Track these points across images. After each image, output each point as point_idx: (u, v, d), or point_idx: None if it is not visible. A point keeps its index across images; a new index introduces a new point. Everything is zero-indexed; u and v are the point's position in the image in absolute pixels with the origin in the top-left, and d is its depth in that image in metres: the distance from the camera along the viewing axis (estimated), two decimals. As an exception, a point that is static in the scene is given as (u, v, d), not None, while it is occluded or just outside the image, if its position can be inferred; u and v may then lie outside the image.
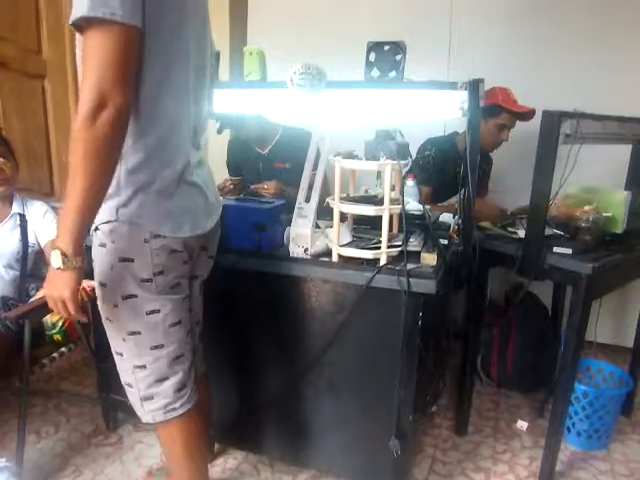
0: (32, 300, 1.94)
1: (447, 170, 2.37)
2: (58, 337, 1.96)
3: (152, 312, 1.25)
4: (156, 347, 1.28)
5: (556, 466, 1.88)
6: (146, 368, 1.29)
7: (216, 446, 2.00)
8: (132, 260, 1.19)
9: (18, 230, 2.05)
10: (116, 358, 1.33)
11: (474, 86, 1.58)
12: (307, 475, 1.91)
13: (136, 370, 1.30)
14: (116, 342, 1.30)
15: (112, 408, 2.13)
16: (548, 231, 1.77)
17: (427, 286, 1.44)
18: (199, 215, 1.28)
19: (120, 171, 1.13)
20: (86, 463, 1.95)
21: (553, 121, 1.60)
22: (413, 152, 1.62)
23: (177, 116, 1.20)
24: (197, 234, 1.27)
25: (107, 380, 2.05)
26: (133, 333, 1.26)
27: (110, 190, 1.11)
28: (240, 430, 1.84)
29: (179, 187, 1.21)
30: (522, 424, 2.22)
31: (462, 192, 1.65)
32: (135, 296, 1.22)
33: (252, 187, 2.28)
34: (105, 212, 1.16)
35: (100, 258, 1.22)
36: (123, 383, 1.35)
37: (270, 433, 1.81)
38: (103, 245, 1.20)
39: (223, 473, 1.92)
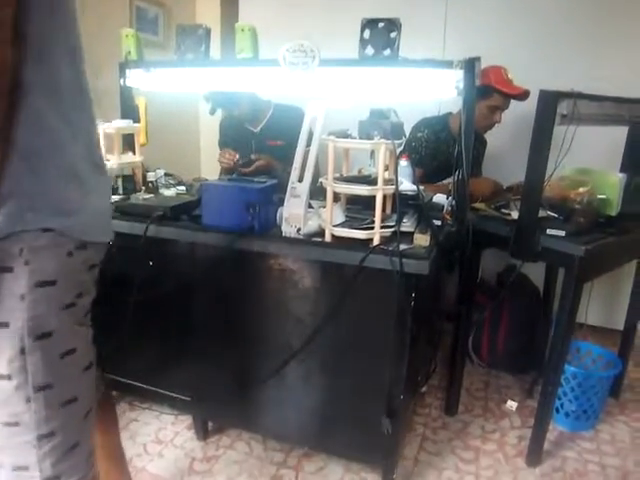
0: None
1: (440, 152, 2.35)
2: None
3: (68, 353, 0.96)
4: (69, 402, 0.97)
5: (544, 445, 1.91)
6: (54, 435, 0.95)
7: (209, 424, 2.02)
8: (54, 282, 0.91)
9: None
10: (3, 433, 0.93)
11: (470, 65, 1.56)
12: (299, 452, 1.93)
13: (41, 442, 0.94)
14: (11, 408, 0.91)
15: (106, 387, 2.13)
16: (542, 213, 1.77)
17: (419, 267, 1.44)
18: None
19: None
20: (80, 441, 1.96)
21: (550, 101, 1.59)
22: (407, 132, 1.60)
23: None
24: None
25: (100, 358, 2.05)
26: (43, 388, 0.92)
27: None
28: (233, 408, 1.85)
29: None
30: (511, 404, 2.25)
31: (456, 173, 1.64)
32: (49, 335, 0.91)
33: (241, 169, 2.26)
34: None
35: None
36: (9, 468, 0.94)
37: (263, 411, 1.82)
38: (8, 270, 0.87)
39: (217, 450, 1.94)
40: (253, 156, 2.30)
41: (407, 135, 1.63)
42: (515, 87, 2.25)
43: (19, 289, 0.87)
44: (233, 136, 2.53)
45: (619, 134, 2.07)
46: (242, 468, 1.86)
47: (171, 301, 1.81)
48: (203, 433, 1.99)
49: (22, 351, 0.89)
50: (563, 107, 1.60)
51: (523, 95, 2.23)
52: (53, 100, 0.87)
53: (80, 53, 0.97)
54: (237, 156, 2.26)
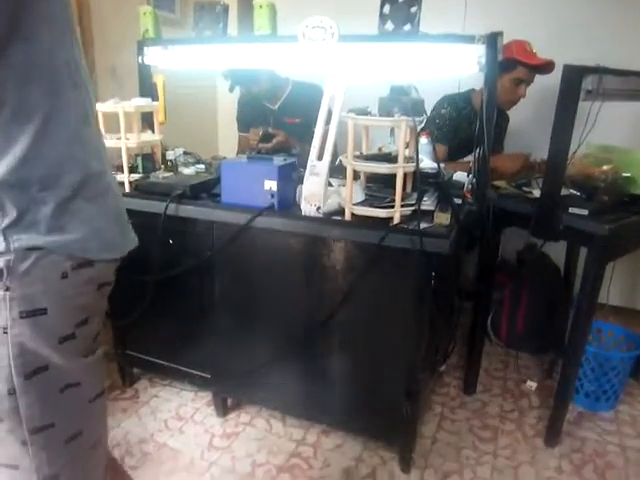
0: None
1: (463, 129, 2.31)
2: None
3: (70, 386, 0.84)
4: (74, 437, 0.86)
5: (563, 426, 1.91)
6: (59, 477, 0.85)
7: (229, 401, 2.04)
8: (44, 311, 0.78)
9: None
10: (4, 475, 0.83)
11: (492, 39, 1.53)
12: (318, 430, 1.95)
13: None
14: (7, 450, 0.82)
15: (128, 364, 2.17)
16: (564, 191, 1.74)
17: (440, 245, 1.42)
18: None
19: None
20: (103, 416, 2.01)
21: (574, 76, 1.54)
22: (428, 109, 1.58)
23: None
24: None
25: (123, 337, 2.09)
26: (40, 429, 0.82)
27: None
28: (252, 385, 1.88)
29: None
30: (531, 384, 2.24)
31: (477, 150, 1.62)
32: (44, 369, 0.80)
33: (256, 144, 2.26)
34: None
35: None
36: None
37: (282, 388, 1.84)
38: None
39: (236, 427, 1.97)
40: (270, 130, 2.29)
41: (428, 112, 1.60)
42: (539, 58, 2.19)
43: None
44: (251, 113, 2.52)
45: (645, 110, 2.03)
46: (261, 444, 1.88)
47: (191, 279, 1.82)
48: (223, 410, 2.02)
49: (11, 392, 0.77)
50: (588, 82, 1.56)
51: (548, 66, 2.16)
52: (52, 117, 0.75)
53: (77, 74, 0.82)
54: (260, 133, 2.26)
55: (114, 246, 0.88)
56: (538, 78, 2.27)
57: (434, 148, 1.79)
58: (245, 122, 2.55)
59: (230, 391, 1.99)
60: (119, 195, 0.92)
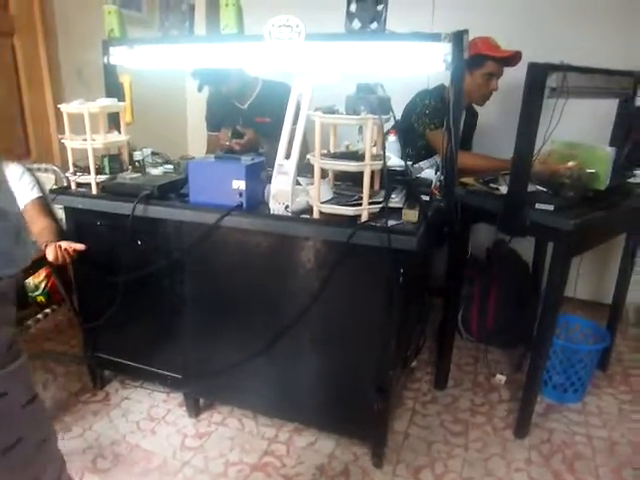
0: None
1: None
2: (41, 299, 1.95)
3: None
4: (12, 447, 0.89)
5: (532, 418, 1.94)
6: None
7: (201, 401, 2.03)
8: None
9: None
10: None
11: (458, 38, 1.54)
12: (290, 428, 1.95)
13: None
14: None
15: (98, 366, 2.14)
16: (531, 187, 1.76)
17: (408, 242, 1.44)
18: None
19: None
20: (75, 420, 1.98)
21: (539, 74, 1.57)
22: (395, 107, 1.58)
23: None
24: None
25: (92, 339, 2.06)
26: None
27: None
28: (224, 385, 1.87)
29: None
30: (500, 378, 2.28)
31: (445, 147, 1.63)
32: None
33: (227, 143, 2.25)
34: None
35: None
36: None
37: (254, 388, 1.84)
38: None
39: (209, 427, 1.96)
40: (239, 127, 2.28)
41: (394, 110, 1.60)
42: (506, 50, 2.25)
43: None
44: (220, 112, 2.50)
45: (609, 107, 2.06)
46: (234, 443, 1.88)
47: (160, 280, 1.81)
48: (195, 410, 2.01)
49: None
50: (552, 80, 1.58)
51: (515, 57, 2.23)
52: None
53: None
54: (229, 133, 2.25)
55: (13, 262, 0.87)
56: (504, 76, 2.31)
57: (402, 146, 1.80)
58: (214, 121, 2.53)
59: (202, 391, 1.98)
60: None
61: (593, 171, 1.82)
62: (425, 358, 2.42)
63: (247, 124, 2.37)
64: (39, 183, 2.10)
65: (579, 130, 2.03)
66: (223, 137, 2.28)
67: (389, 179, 1.53)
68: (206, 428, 1.96)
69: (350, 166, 1.49)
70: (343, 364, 1.68)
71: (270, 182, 1.59)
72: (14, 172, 2.05)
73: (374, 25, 1.57)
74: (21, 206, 2.03)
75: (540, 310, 1.84)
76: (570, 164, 1.81)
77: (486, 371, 2.37)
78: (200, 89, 2.30)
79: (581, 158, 1.84)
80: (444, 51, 1.57)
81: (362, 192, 1.48)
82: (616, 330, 2.34)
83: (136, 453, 1.83)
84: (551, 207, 1.68)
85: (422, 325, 2.06)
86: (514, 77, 2.10)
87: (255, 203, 1.64)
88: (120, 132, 1.92)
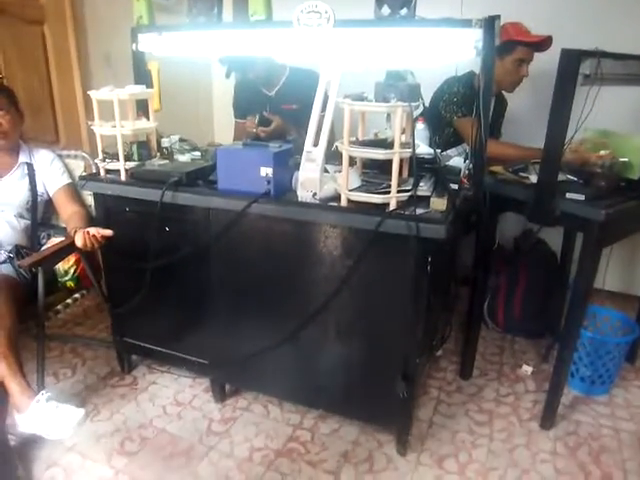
0: (44, 248, 1.95)
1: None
2: (70, 284, 1.99)
3: None
4: None
5: (558, 410, 1.93)
6: None
7: (227, 387, 2.06)
8: None
9: (27, 179, 2.04)
10: None
11: (490, 23, 1.51)
12: (315, 415, 1.97)
13: None
14: None
15: (126, 351, 2.18)
16: (561, 177, 1.74)
17: (436, 231, 1.43)
18: None
19: None
20: (103, 403, 2.03)
21: (572, 61, 1.53)
22: (425, 94, 1.57)
23: None
24: None
25: (121, 324, 2.10)
26: None
27: None
28: (250, 371, 1.89)
29: None
30: (527, 369, 2.26)
31: (474, 134, 1.61)
32: None
33: (254, 130, 2.26)
34: None
35: None
36: None
37: (279, 374, 1.85)
38: None
39: (234, 412, 1.99)
40: (266, 113, 2.28)
41: (424, 97, 1.59)
42: (537, 35, 2.20)
43: None
44: (248, 99, 2.51)
45: (643, 95, 2.01)
46: (259, 429, 1.90)
47: (188, 266, 1.83)
48: (220, 396, 2.03)
49: None
50: (586, 67, 1.55)
51: (546, 42, 2.18)
52: None
53: None
54: (256, 120, 2.25)
55: None
56: (535, 63, 2.26)
57: (431, 133, 1.78)
58: (241, 109, 2.54)
59: (228, 377, 2.00)
60: None
61: (626, 160, 1.79)
62: (451, 347, 2.41)
63: (274, 111, 2.37)
64: (68, 170, 2.14)
65: (612, 118, 1.99)
66: (250, 124, 2.29)
67: (417, 167, 1.51)
68: (231, 413, 1.98)
69: (379, 154, 1.48)
70: (368, 352, 1.69)
71: (298, 169, 1.59)
72: (45, 158, 2.09)
73: (404, 11, 1.55)
74: (51, 192, 2.07)
75: (568, 301, 1.82)
76: (602, 153, 1.77)
77: (512, 361, 2.35)
78: (228, 75, 2.31)
79: (614, 147, 1.80)
80: (475, 37, 1.54)
81: (390, 180, 1.47)
82: (646, 322, 2.30)
83: (163, 437, 1.86)
84: (582, 197, 1.65)
85: (448, 314, 2.05)
86: (546, 65, 2.06)
87: (283, 190, 1.64)
88: (148, 119, 1.94)
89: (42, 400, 1.57)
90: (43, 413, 1.55)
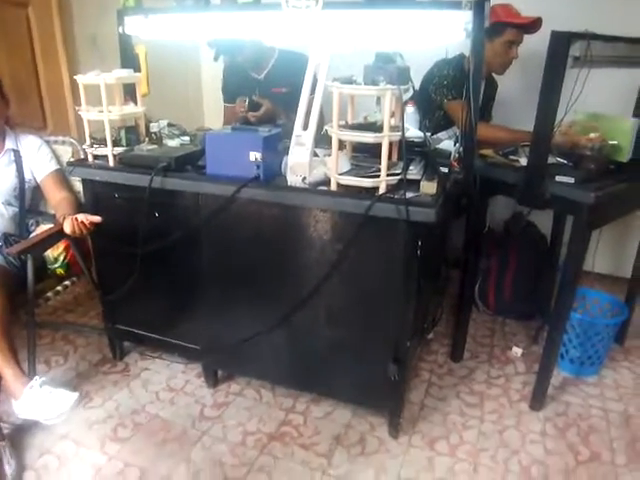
0: (33, 235, 1.94)
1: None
2: (60, 271, 1.97)
3: None
4: None
5: (548, 391, 1.95)
6: None
7: (219, 372, 2.06)
8: None
9: (13, 166, 2.01)
10: None
11: (480, 5, 1.50)
12: (307, 399, 1.98)
13: None
14: None
15: (118, 338, 2.18)
16: (551, 159, 1.74)
17: (426, 215, 1.43)
18: None
19: None
20: (95, 390, 2.03)
21: (562, 43, 1.52)
22: (415, 77, 1.56)
23: None
24: None
25: (112, 311, 2.09)
26: None
27: None
28: (242, 356, 1.89)
29: None
30: (517, 350, 2.28)
31: (464, 117, 1.60)
32: None
33: (242, 113, 2.24)
34: None
35: None
36: None
37: (271, 359, 1.86)
38: None
39: (227, 397, 1.99)
40: (255, 98, 2.26)
41: (414, 80, 1.58)
42: (526, 17, 2.19)
43: None
44: (237, 83, 2.48)
45: (633, 77, 2.01)
46: (252, 414, 1.91)
47: (178, 252, 1.82)
48: (213, 381, 2.04)
49: None
50: (576, 49, 1.54)
51: (536, 24, 2.18)
52: None
53: None
54: (246, 103, 2.23)
55: None
56: (525, 45, 2.25)
57: (421, 117, 1.77)
58: (230, 92, 2.51)
59: (220, 362, 2.01)
60: None
61: (615, 143, 1.79)
62: (442, 330, 2.42)
63: (263, 94, 2.35)
64: (56, 156, 2.12)
65: (602, 101, 1.99)
66: (239, 107, 2.26)
67: (407, 150, 1.50)
68: (224, 399, 1.99)
69: (368, 137, 1.47)
70: (360, 335, 1.69)
71: (287, 154, 1.58)
72: (32, 144, 2.06)
73: (393, -8, 1.53)
74: (39, 178, 2.05)
75: (558, 283, 1.83)
76: (592, 136, 1.78)
77: (502, 343, 2.38)
78: (216, 59, 2.28)
79: (603, 129, 1.80)
80: (465, 19, 1.53)
81: (380, 164, 1.46)
82: (634, 304, 2.32)
83: (155, 423, 1.87)
84: (572, 180, 1.65)
85: (439, 297, 2.06)
86: (536, 47, 2.05)
87: (272, 175, 1.63)
88: (136, 104, 1.91)
89: (36, 386, 1.58)
90: (37, 398, 1.56)
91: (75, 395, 1.61)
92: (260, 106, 2.25)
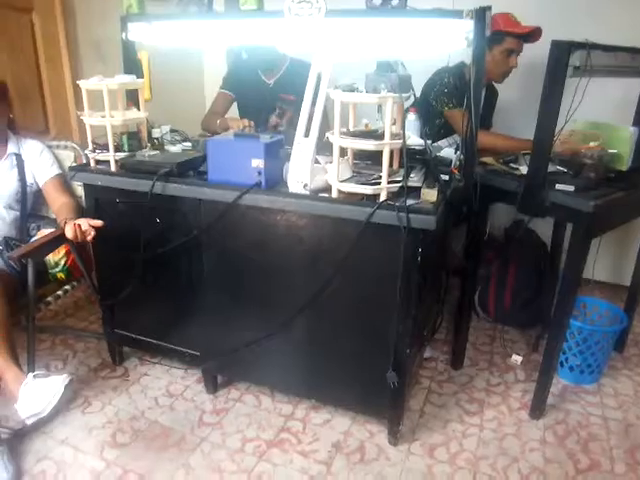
0: (34, 239, 1.94)
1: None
2: (61, 275, 1.98)
3: None
4: None
5: (547, 399, 1.94)
6: None
7: (219, 378, 2.06)
8: None
9: (15, 170, 2.02)
10: None
11: (481, 14, 1.51)
12: (306, 405, 1.98)
13: None
14: None
15: (117, 343, 2.17)
16: (551, 168, 1.74)
17: (426, 222, 1.43)
18: None
19: None
20: (94, 395, 2.02)
21: (562, 52, 1.53)
22: (416, 85, 1.57)
23: None
24: None
25: (112, 316, 2.09)
26: None
27: None
28: (242, 362, 1.89)
29: None
30: (517, 358, 2.28)
31: (465, 125, 1.61)
32: None
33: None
34: None
35: None
36: None
37: (271, 365, 1.86)
38: None
39: (226, 403, 1.99)
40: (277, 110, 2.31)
41: (415, 88, 1.59)
42: (526, 26, 2.21)
43: None
44: (245, 79, 2.49)
45: (632, 87, 2.02)
46: (251, 420, 1.91)
47: (179, 258, 1.82)
48: (212, 387, 2.04)
49: None
50: (576, 58, 1.55)
51: (535, 33, 2.19)
52: None
53: None
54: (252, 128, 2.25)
55: None
56: (526, 54, 2.26)
57: (421, 124, 1.78)
58: (236, 87, 2.52)
59: (219, 368, 2.00)
60: None
61: (615, 152, 1.80)
62: (442, 337, 2.43)
63: (272, 99, 2.37)
64: (58, 160, 2.12)
65: (602, 110, 2.00)
66: (244, 123, 2.26)
67: (408, 158, 1.51)
68: (223, 405, 1.99)
69: (370, 145, 1.48)
70: (360, 342, 1.69)
71: (289, 160, 1.59)
72: (34, 148, 2.07)
73: (395, 1, 1.54)
74: (41, 183, 2.06)
75: (558, 291, 1.83)
76: (592, 144, 1.79)
77: (502, 351, 2.37)
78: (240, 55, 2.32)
79: (603, 138, 1.81)
80: (466, 28, 1.54)
81: (381, 171, 1.47)
82: (634, 312, 2.32)
83: (155, 428, 1.86)
84: (572, 188, 1.66)
85: (439, 304, 2.06)
86: (536, 56, 2.06)
87: (274, 181, 1.64)
88: (139, 109, 1.92)
89: (30, 381, 1.58)
90: (33, 391, 1.56)
91: (66, 376, 1.61)
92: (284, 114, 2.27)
